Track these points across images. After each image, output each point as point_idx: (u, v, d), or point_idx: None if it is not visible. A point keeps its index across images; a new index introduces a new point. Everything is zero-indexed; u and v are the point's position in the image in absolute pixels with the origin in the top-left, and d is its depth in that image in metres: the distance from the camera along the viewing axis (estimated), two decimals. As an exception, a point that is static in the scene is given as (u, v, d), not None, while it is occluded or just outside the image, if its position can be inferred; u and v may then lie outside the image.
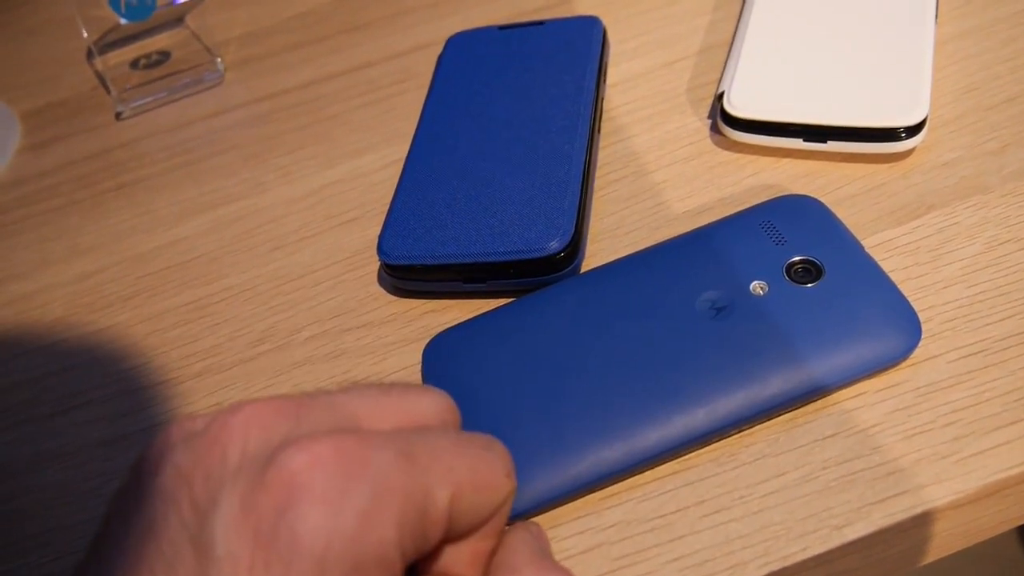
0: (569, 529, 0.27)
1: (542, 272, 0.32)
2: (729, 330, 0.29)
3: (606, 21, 0.42)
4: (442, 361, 0.31)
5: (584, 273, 0.33)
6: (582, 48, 0.40)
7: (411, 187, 0.36)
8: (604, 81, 0.40)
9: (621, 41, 0.43)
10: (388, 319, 0.35)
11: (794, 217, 0.32)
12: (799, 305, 0.30)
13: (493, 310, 0.32)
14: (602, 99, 0.39)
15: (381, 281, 0.36)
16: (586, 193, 0.34)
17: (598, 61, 0.39)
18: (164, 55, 0.52)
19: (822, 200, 0.34)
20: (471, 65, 0.41)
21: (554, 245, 0.32)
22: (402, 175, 0.37)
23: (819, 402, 0.29)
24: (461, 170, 0.36)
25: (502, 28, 0.43)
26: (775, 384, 0.28)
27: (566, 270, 0.33)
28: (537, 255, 0.32)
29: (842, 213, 0.34)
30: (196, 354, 0.36)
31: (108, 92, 0.50)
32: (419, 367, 0.32)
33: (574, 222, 0.33)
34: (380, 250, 0.34)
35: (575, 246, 0.33)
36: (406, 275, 0.34)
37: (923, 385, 0.28)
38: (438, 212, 0.35)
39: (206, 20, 0.54)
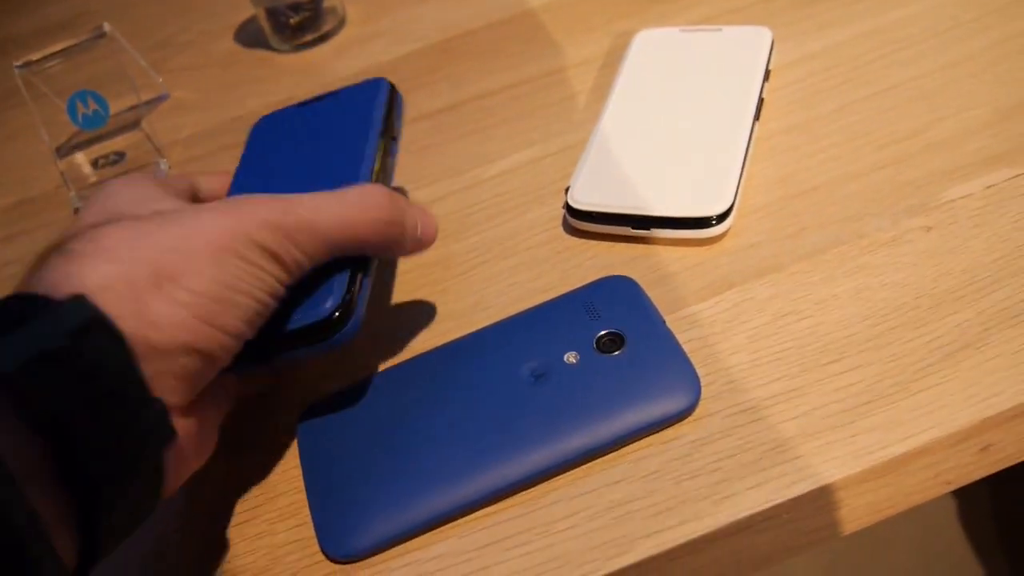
0: (400, 562, 0.33)
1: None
2: (544, 394, 0.35)
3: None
4: (314, 427, 0.37)
5: (432, 350, 0.38)
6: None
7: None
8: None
9: (500, 141, 0.50)
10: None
11: (609, 295, 0.38)
12: (602, 372, 0.35)
13: (356, 384, 0.38)
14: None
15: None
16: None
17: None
18: (120, 155, 0.59)
19: (645, 279, 0.40)
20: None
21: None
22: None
23: (614, 453, 0.34)
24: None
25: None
26: (575, 441, 0.34)
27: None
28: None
29: (661, 290, 0.39)
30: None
31: (69, 190, 0.57)
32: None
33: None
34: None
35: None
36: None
37: (699, 438, 0.34)
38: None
39: (160, 123, 0.62)
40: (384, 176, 0.39)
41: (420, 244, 0.36)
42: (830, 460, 0.32)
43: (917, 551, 0.96)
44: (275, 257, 0.31)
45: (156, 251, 0.29)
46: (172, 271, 0.29)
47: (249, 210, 0.31)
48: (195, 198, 0.39)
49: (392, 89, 0.42)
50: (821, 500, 0.32)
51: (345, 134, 0.40)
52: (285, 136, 0.43)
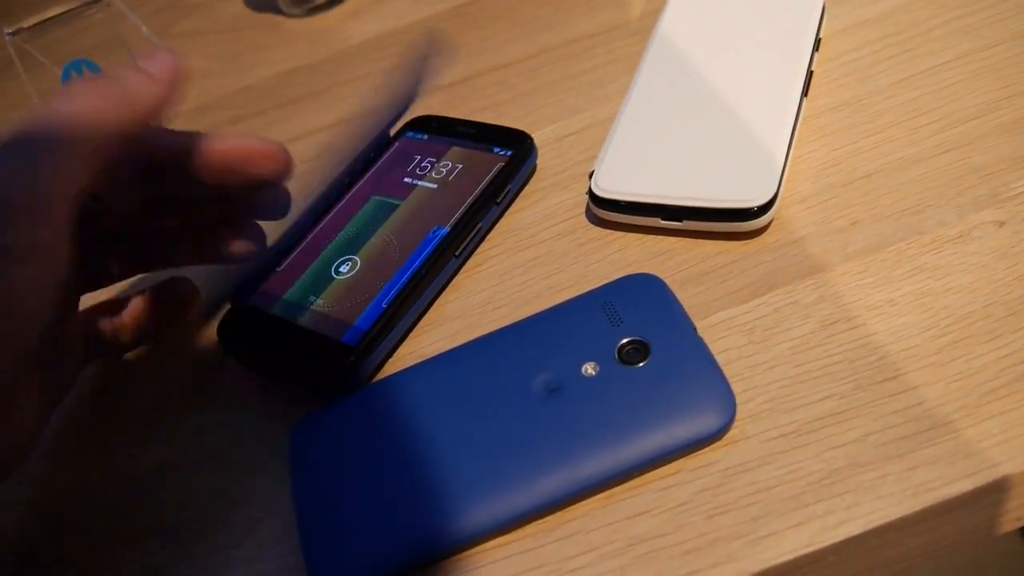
0: (396, 600, 0.30)
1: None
2: (558, 411, 0.31)
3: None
4: (306, 444, 0.34)
5: (435, 357, 0.35)
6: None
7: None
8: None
9: (517, 118, 0.45)
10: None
11: (633, 297, 0.34)
12: (625, 386, 0.31)
13: (353, 396, 0.34)
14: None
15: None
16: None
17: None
18: (120, 129, 0.56)
19: (676, 277, 0.36)
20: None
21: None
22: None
23: (637, 479, 0.30)
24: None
25: None
26: (593, 465, 0.30)
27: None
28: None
29: (691, 291, 0.35)
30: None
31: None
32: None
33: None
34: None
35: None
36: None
37: (733, 465, 0.30)
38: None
39: (161, 93, 0.58)
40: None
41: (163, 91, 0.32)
42: (885, 496, 0.28)
43: None
44: None
45: None
46: None
47: None
48: None
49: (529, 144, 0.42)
50: (872, 542, 0.28)
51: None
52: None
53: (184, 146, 0.33)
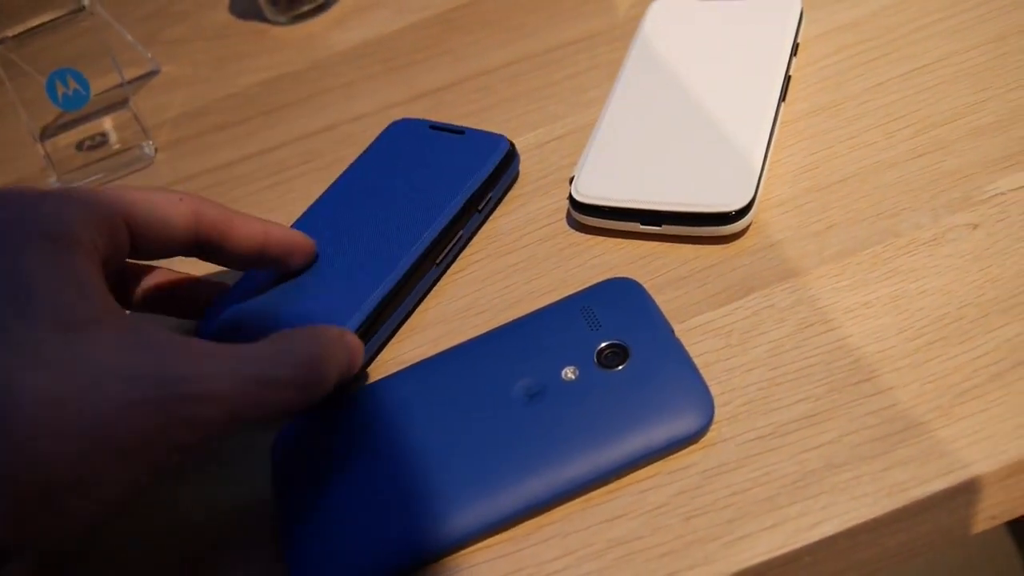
0: (376, 605, 0.30)
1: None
2: (539, 416, 0.32)
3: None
4: (288, 452, 0.34)
5: (417, 363, 0.35)
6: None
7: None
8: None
9: (500, 124, 0.46)
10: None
11: (612, 301, 0.34)
12: (604, 389, 0.32)
13: (333, 402, 0.34)
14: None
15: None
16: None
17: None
18: (105, 137, 0.56)
19: (655, 281, 0.36)
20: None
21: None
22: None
23: (615, 483, 0.31)
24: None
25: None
26: (572, 469, 0.30)
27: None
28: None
29: (670, 295, 0.36)
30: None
31: (51, 175, 0.54)
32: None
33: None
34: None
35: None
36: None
37: (711, 467, 0.30)
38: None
39: (149, 101, 0.58)
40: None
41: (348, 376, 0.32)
42: (859, 497, 0.28)
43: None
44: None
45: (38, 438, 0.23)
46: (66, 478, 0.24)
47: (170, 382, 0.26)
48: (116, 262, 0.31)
49: (510, 151, 0.42)
50: (846, 543, 0.28)
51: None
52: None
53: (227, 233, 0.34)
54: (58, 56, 0.54)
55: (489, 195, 0.40)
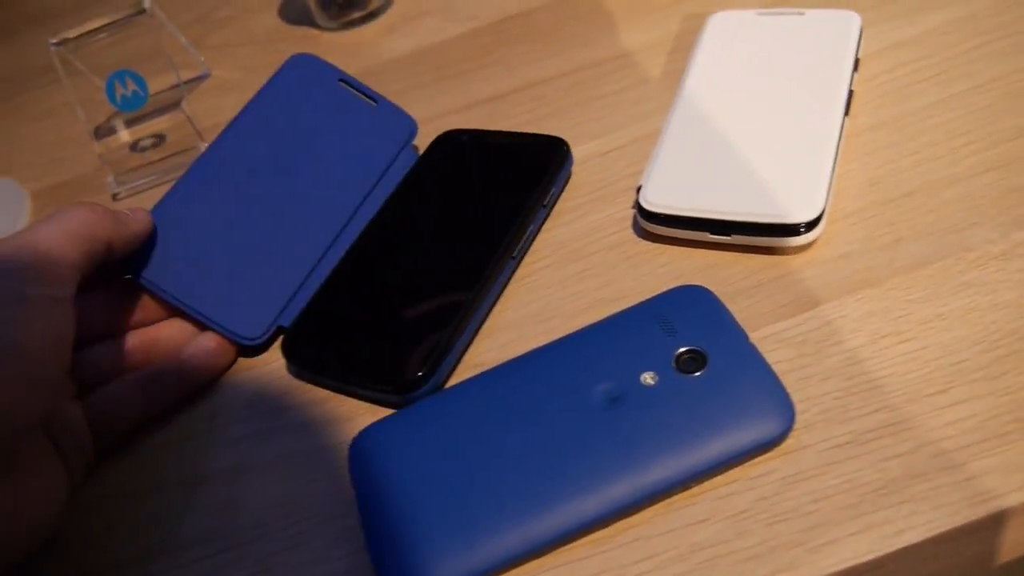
0: (461, 604, 0.30)
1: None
2: (620, 420, 0.32)
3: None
4: (367, 455, 0.34)
5: (495, 368, 0.35)
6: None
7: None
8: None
9: (561, 131, 0.46)
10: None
11: (686, 308, 0.35)
12: (684, 394, 0.32)
13: (413, 406, 0.35)
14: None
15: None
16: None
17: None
18: (160, 138, 0.57)
19: (722, 291, 0.36)
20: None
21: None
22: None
23: (697, 488, 0.31)
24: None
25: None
26: (654, 473, 0.31)
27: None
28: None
29: (739, 304, 0.36)
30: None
31: (107, 174, 0.55)
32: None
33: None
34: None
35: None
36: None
37: (791, 474, 0.31)
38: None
39: (201, 104, 0.59)
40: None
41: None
42: (942, 507, 0.29)
43: None
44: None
45: None
46: None
47: None
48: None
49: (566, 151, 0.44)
50: (930, 551, 0.29)
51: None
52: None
53: None
54: (113, 57, 0.55)
55: (551, 190, 0.42)
